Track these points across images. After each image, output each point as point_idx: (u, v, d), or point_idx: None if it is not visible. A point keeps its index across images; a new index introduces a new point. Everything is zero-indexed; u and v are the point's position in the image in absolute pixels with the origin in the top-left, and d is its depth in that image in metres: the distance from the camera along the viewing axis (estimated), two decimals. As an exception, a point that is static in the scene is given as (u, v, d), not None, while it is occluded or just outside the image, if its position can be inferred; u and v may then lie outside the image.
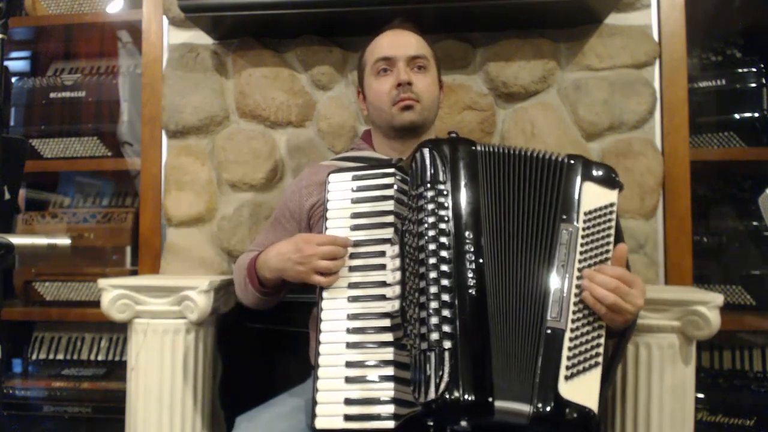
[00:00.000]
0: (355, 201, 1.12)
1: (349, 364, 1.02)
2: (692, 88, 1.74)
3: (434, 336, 0.92)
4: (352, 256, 1.09)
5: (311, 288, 1.13)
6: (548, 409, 0.91)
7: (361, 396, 1.00)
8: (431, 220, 0.98)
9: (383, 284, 1.05)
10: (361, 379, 1.01)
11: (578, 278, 0.98)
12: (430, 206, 0.99)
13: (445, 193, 1.00)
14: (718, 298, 1.35)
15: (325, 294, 1.09)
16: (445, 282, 0.95)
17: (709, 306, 1.35)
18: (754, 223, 1.83)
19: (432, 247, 0.97)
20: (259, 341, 1.74)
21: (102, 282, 1.51)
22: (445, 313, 0.93)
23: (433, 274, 0.95)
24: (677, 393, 1.38)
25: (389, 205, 1.09)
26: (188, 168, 1.78)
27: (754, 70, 1.82)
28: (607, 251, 1.01)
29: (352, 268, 1.08)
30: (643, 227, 1.63)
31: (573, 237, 0.99)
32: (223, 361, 1.76)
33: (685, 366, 1.39)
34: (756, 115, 1.81)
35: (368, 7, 1.53)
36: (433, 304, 0.93)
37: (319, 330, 1.06)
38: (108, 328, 2.07)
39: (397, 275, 1.03)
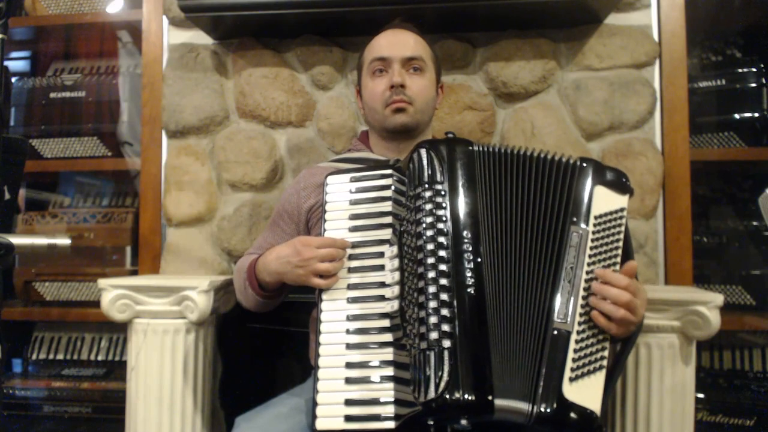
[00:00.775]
0: (353, 202, 1.12)
1: (349, 365, 1.02)
2: (692, 88, 1.74)
3: (433, 335, 0.92)
4: (351, 257, 1.09)
5: (311, 288, 1.12)
6: (551, 409, 0.91)
7: (362, 396, 1.00)
8: (429, 220, 0.98)
9: (382, 285, 1.05)
10: (361, 380, 1.01)
11: (586, 281, 0.98)
12: (428, 206, 0.99)
13: (442, 193, 1.00)
14: (718, 298, 1.35)
15: (324, 295, 1.09)
16: (443, 281, 0.95)
17: (709, 306, 1.35)
18: (754, 223, 1.83)
19: (430, 246, 0.97)
20: (259, 341, 1.74)
21: (102, 282, 1.51)
22: (444, 312, 0.93)
23: (431, 274, 0.95)
24: (677, 393, 1.38)
25: (387, 206, 1.09)
26: (188, 168, 1.78)
27: (754, 70, 1.82)
28: (616, 256, 1.00)
29: (351, 270, 1.08)
30: (643, 227, 1.63)
31: (583, 240, 0.99)
32: (223, 361, 1.76)
33: (685, 366, 1.39)
34: (756, 115, 1.81)
35: (368, 7, 1.53)
36: (432, 304, 0.93)
37: (318, 331, 1.06)
38: (108, 328, 2.07)
39: (396, 276, 1.03)
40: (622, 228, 1.02)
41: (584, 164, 1.05)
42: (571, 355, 0.93)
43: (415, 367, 0.93)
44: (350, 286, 1.08)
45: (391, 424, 0.98)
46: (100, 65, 2.18)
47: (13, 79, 2.16)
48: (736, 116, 1.82)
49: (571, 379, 0.92)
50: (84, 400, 1.96)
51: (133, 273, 1.92)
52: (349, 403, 1.00)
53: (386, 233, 1.08)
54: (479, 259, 0.97)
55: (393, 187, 1.10)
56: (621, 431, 1.43)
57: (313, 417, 1.00)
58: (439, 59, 1.40)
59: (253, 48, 1.77)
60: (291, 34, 1.75)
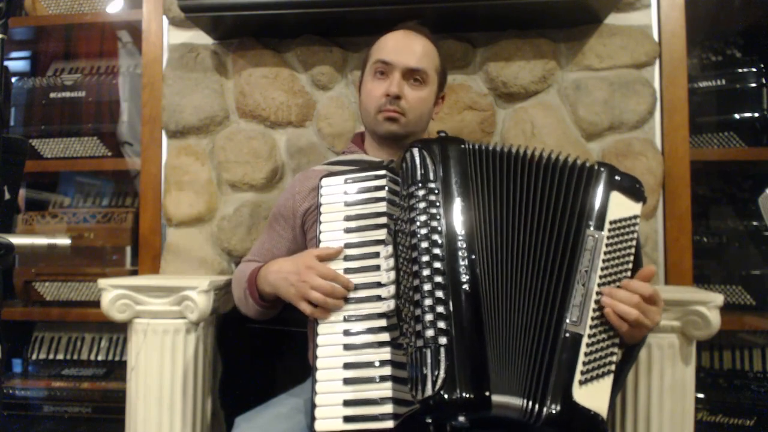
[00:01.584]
0: (347, 204, 1.12)
1: (347, 366, 1.02)
2: (692, 88, 1.74)
3: (429, 333, 0.92)
4: (347, 258, 1.09)
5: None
6: (559, 411, 0.91)
7: (360, 397, 1.00)
8: (423, 218, 0.99)
9: (378, 285, 1.05)
10: (359, 380, 1.01)
11: (600, 285, 0.97)
12: (422, 205, 1.00)
13: (436, 191, 1.01)
14: (718, 298, 1.35)
15: None
16: (438, 279, 0.95)
17: (709, 306, 1.35)
18: (754, 223, 1.83)
19: (424, 245, 0.97)
20: (259, 341, 1.74)
21: (102, 282, 1.51)
22: (440, 309, 0.93)
23: (426, 272, 0.95)
24: (677, 393, 1.38)
25: (382, 207, 1.09)
26: (188, 168, 1.78)
27: (754, 70, 1.82)
28: (628, 263, 1.00)
29: (347, 271, 1.08)
30: (643, 227, 1.63)
31: (598, 244, 0.99)
32: (223, 361, 1.76)
33: (685, 366, 1.39)
34: (756, 115, 1.81)
35: (368, 7, 1.53)
36: (428, 302, 0.94)
37: (316, 333, 1.06)
38: (108, 328, 2.08)
39: (392, 275, 1.03)
40: (635, 235, 1.02)
41: (601, 168, 1.04)
42: (581, 358, 0.93)
43: (412, 366, 0.93)
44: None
45: (390, 424, 0.98)
46: (100, 65, 2.18)
47: (13, 79, 2.16)
48: (736, 116, 1.82)
49: (581, 382, 0.93)
50: (84, 400, 1.96)
51: (133, 273, 1.92)
52: (347, 403, 1.00)
53: (381, 233, 1.08)
54: (473, 257, 0.97)
55: (387, 188, 1.10)
56: (621, 431, 1.43)
57: (312, 418, 1.00)
58: (446, 70, 1.38)
59: (253, 48, 1.77)
60: (291, 34, 1.75)
